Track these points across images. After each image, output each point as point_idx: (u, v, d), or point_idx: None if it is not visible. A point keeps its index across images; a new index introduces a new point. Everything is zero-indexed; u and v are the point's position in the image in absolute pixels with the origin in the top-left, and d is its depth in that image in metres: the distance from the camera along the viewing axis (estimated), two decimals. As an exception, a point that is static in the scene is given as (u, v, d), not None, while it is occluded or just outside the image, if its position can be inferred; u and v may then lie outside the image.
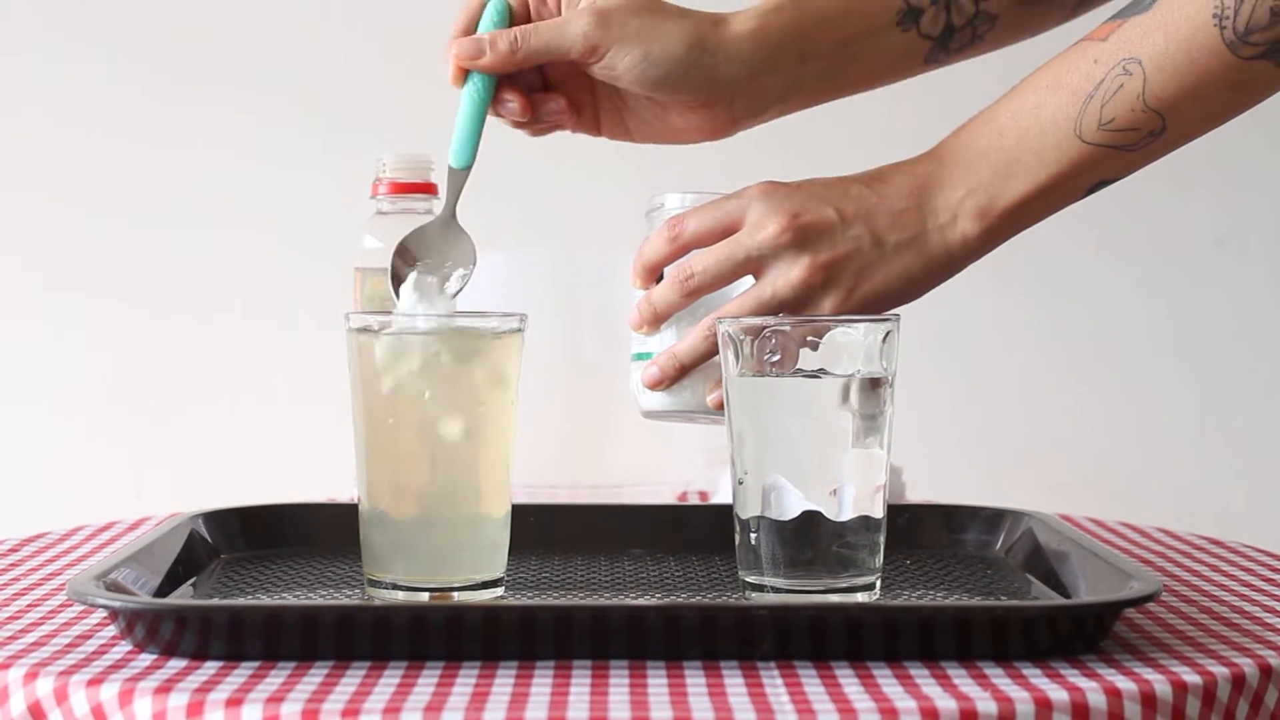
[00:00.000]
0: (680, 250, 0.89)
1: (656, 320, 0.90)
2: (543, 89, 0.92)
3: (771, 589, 0.81)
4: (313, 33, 1.97)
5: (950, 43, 0.95)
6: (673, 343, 0.90)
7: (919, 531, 1.01)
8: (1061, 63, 0.87)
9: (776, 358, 0.80)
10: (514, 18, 0.90)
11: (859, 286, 0.87)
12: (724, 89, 0.90)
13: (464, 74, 0.89)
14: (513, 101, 0.90)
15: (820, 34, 0.91)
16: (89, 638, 0.78)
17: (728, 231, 0.88)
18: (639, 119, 0.93)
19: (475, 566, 0.83)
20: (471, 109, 0.89)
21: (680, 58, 0.88)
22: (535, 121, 0.92)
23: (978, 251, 0.88)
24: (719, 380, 0.88)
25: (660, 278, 0.90)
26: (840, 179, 0.89)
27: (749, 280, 0.88)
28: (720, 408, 0.88)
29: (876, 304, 0.88)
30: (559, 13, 0.91)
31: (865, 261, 0.87)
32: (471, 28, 0.90)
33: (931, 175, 0.88)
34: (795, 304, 0.87)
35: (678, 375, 0.89)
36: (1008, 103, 0.88)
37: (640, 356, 0.91)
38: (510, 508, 0.85)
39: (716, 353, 0.87)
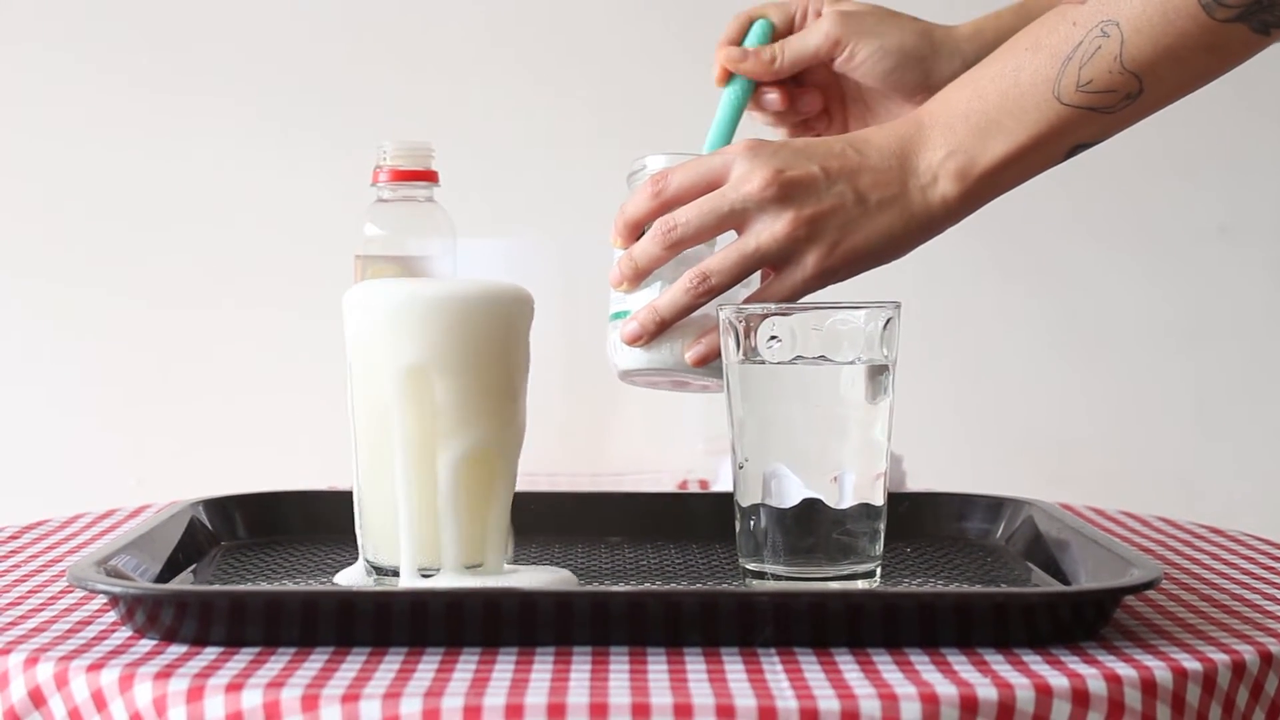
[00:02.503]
0: (663, 206, 0.89)
1: (637, 275, 0.90)
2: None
3: (772, 576, 0.81)
4: (313, 21, 1.97)
5: None
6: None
7: (920, 519, 1.01)
8: (1042, 25, 0.88)
9: (778, 343, 0.80)
10: (776, 35, 1.01)
11: (842, 242, 0.88)
12: (944, 84, 0.93)
13: (728, 76, 1.00)
14: (772, 94, 1.01)
15: None
16: (89, 623, 0.78)
17: (711, 187, 0.89)
18: (879, 121, 1.02)
19: (476, 553, 0.83)
20: (730, 108, 1.00)
21: (910, 49, 0.98)
22: (793, 114, 1.03)
23: (958, 213, 0.89)
24: (698, 335, 0.88)
25: (642, 236, 0.90)
26: (824, 139, 0.90)
27: (731, 236, 0.89)
28: (699, 363, 0.88)
29: (859, 260, 0.88)
30: None
31: (848, 218, 0.88)
32: (738, 38, 1.01)
33: (914, 136, 0.89)
34: (778, 258, 0.87)
35: (657, 330, 0.89)
36: (989, 65, 0.89)
37: (618, 316, 0.91)
38: (512, 495, 0.85)
39: (697, 307, 0.88)
